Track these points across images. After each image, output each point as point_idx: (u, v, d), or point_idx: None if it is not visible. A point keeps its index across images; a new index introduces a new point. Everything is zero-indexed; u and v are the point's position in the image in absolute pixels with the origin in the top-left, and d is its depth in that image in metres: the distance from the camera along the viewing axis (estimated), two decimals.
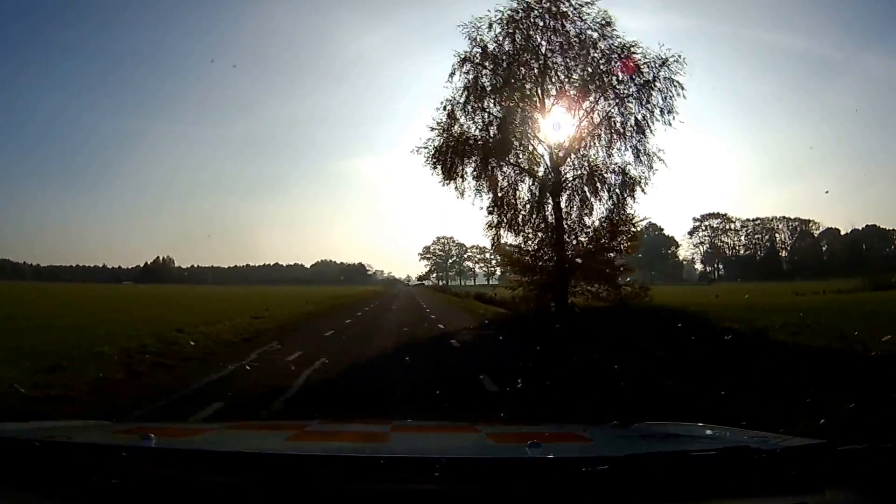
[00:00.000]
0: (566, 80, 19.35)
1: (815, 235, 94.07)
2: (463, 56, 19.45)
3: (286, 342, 13.07)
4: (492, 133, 19.75)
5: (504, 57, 19.37)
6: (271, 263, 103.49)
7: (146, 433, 1.82)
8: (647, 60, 18.53)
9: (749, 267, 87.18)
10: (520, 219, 20.30)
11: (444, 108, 19.80)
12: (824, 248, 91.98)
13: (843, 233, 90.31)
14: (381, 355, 11.60)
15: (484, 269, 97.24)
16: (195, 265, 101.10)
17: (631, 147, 19.16)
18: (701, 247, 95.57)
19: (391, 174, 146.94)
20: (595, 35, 18.73)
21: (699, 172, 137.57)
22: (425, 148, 19.98)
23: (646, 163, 19.06)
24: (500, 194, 20.24)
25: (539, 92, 19.57)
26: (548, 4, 18.80)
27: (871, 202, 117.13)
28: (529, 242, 20.68)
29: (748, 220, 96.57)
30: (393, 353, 11.99)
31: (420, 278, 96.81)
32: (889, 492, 1.47)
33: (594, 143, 19.74)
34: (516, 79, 19.43)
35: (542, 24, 18.95)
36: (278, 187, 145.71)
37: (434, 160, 19.99)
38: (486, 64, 19.51)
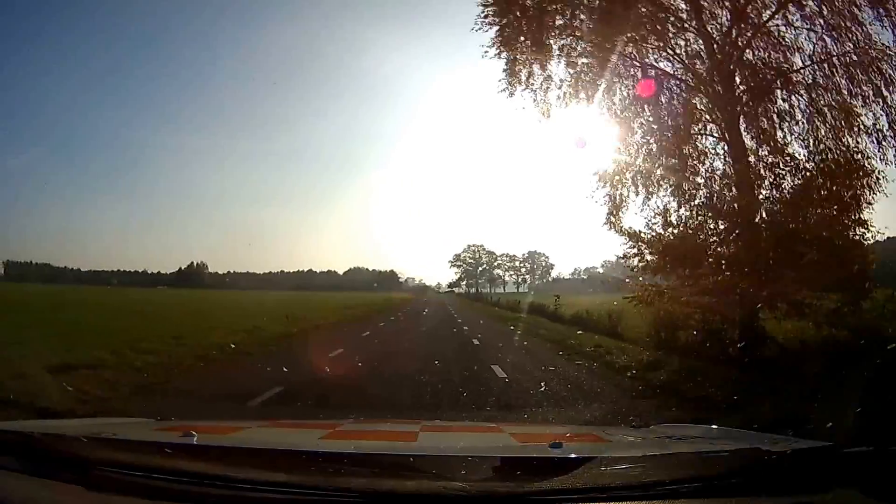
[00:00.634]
0: None
1: None
2: None
3: None
4: None
5: None
6: (305, 270, 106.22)
7: (188, 430, 1.94)
8: None
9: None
10: (659, 167, 11.25)
11: None
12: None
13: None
14: None
15: (514, 276, 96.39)
16: (231, 271, 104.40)
17: None
18: None
19: (422, 183, 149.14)
20: None
21: None
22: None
23: None
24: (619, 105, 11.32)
25: None
26: None
27: None
28: (680, 210, 11.07)
29: None
30: None
31: (450, 285, 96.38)
32: (893, 492, 1.51)
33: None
34: None
35: None
36: (313, 197, 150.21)
37: (499, 39, 11.35)
38: None
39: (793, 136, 10.35)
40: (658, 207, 11.19)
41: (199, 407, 6.95)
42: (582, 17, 10.94)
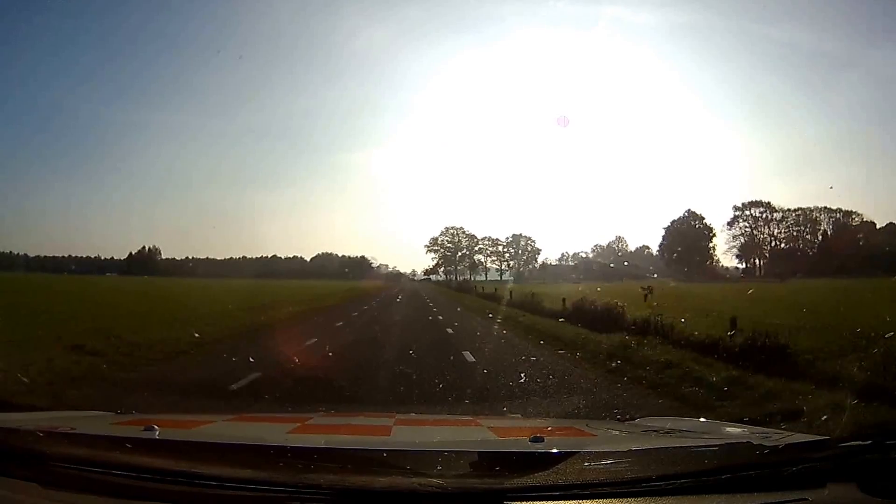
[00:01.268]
0: None
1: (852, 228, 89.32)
2: None
3: None
4: None
5: None
6: (269, 256, 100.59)
7: (149, 424, 1.87)
8: None
9: (790, 261, 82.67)
10: None
11: None
12: (861, 243, 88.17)
13: (878, 226, 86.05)
14: None
15: (497, 262, 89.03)
16: (189, 256, 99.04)
17: None
18: (740, 238, 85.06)
19: (396, 165, 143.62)
20: None
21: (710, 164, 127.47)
22: None
23: None
24: None
25: None
26: None
27: None
28: None
29: (789, 209, 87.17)
30: None
31: (427, 272, 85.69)
32: (889, 487, 1.45)
33: None
34: None
35: None
36: (278, 178, 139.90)
37: None
38: None
39: None
40: None
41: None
42: None
